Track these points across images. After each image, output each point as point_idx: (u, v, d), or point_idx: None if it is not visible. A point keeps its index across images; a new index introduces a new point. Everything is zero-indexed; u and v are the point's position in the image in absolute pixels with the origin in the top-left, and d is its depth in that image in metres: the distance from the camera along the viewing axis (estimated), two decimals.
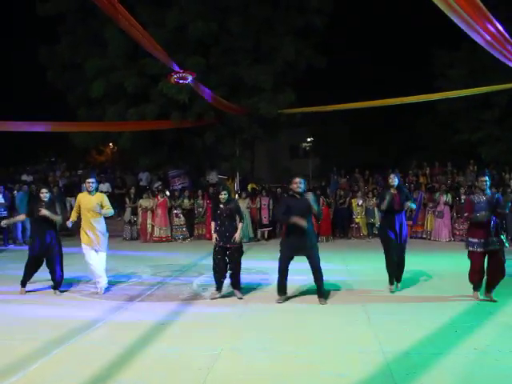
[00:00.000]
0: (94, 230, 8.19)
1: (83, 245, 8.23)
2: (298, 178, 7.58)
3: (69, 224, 8.40)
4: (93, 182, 8.30)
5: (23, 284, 8.36)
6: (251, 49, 17.93)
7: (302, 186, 7.54)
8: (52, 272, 8.28)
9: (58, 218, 8.26)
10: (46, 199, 8.26)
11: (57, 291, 8.32)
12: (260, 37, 18.01)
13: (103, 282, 8.32)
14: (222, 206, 7.82)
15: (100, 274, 8.28)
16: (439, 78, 20.98)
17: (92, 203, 8.20)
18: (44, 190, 8.32)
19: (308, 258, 7.46)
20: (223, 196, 7.79)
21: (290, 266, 7.56)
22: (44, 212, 8.05)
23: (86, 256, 8.24)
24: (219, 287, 7.92)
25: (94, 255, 8.23)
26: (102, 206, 8.28)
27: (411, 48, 24.18)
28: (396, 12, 24.66)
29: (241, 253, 7.89)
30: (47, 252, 8.22)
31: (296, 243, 7.42)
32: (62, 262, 8.38)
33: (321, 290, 7.53)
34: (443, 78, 20.81)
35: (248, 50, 17.82)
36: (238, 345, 5.60)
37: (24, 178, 19.72)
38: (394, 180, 8.02)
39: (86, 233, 8.22)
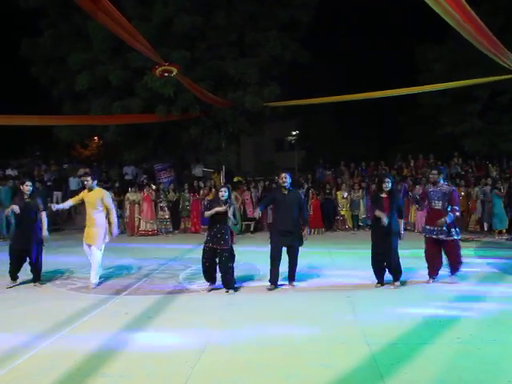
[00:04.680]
0: (91, 225, 8.24)
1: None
2: (284, 172, 7.87)
3: (53, 207, 8.81)
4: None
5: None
6: (236, 43, 17.90)
7: (288, 180, 7.78)
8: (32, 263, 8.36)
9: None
10: (28, 192, 8.32)
11: (37, 283, 8.39)
12: (245, 31, 17.98)
13: (91, 277, 8.25)
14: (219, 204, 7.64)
15: (92, 268, 8.27)
16: (424, 72, 21.15)
17: (92, 198, 8.25)
18: (28, 183, 8.35)
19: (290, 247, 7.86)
20: (223, 193, 7.63)
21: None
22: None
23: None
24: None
25: (87, 250, 8.34)
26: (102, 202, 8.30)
27: (396, 43, 24.31)
28: (381, 7, 24.79)
29: (231, 255, 7.69)
30: (28, 244, 8.24)
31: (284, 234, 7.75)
32: (41, 254, 8.47)
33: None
34: (427, 72, 20.98)
35: (233, 44, 17.80)
36: (224, 337, 5.64)
37: (8, 172, 19.52)
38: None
39: (86, 228, 8.37)
